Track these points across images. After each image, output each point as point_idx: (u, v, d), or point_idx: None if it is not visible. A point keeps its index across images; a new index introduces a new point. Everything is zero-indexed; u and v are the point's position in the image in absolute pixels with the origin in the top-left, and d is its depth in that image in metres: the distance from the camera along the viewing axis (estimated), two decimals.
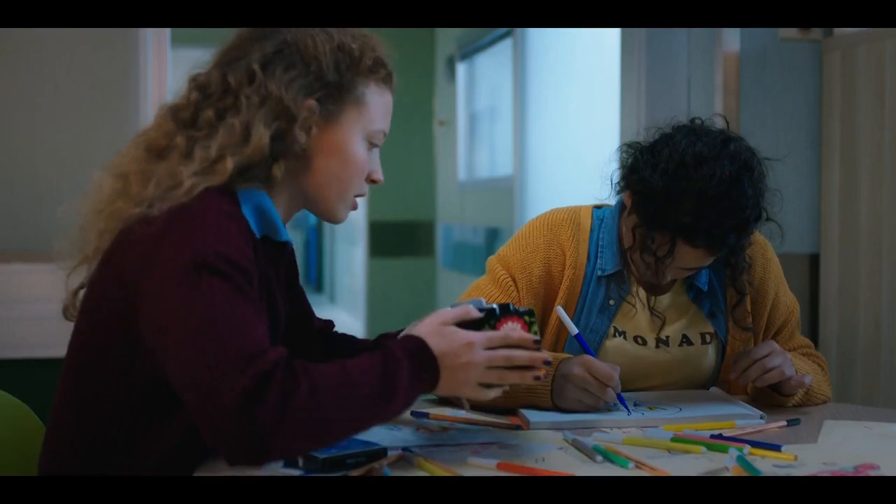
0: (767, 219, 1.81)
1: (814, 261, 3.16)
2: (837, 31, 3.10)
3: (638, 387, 1.89)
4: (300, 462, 1.34)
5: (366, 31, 1.55)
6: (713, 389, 1.90)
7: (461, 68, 6.61)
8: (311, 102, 1.45)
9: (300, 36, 1.47)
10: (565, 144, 4.75)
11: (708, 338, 1.91)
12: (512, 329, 1.43)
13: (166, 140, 1.45)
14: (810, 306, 3.15)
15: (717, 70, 3.09)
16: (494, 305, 1.44)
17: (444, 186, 7.05)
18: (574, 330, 1.76)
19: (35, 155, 2.96)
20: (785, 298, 1.97)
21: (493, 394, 1.43)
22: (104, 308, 1.41)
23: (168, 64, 3.04)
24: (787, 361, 1.76)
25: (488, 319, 1.42)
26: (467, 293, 1.94)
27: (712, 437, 1.55)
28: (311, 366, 1.30)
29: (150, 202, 1.39)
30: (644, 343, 1.89)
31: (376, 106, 1.52)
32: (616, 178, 1.85)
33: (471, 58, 6.46)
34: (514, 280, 1.90)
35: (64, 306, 1.51)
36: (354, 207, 1.57)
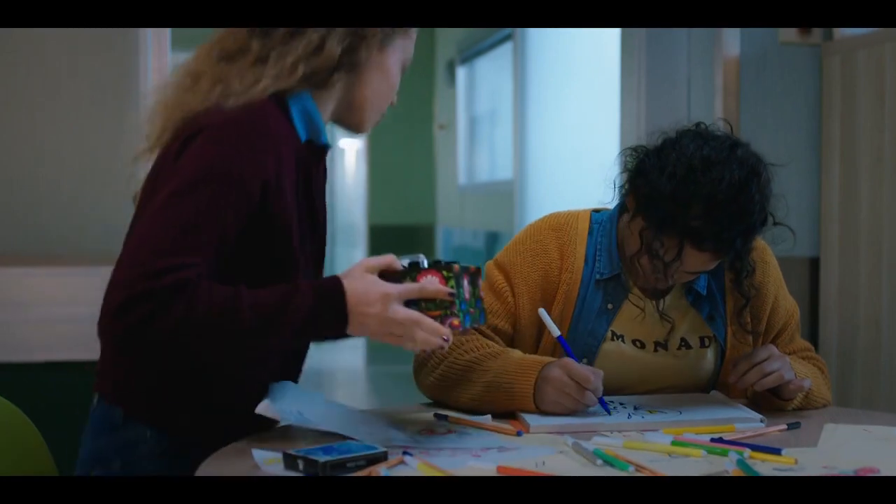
0: (775, 223, 1.80)
1: (814, 264, 3.16)
2: (837, 34, 3.10)
3: (637, 391, 1.89)
4: (300, 465, 1.34)
5: None
6: (713, 393, 1.90)
7: (461, 72, 6.61)
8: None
9: None
10: (565, 148, 4.75)
11: (707, 341, 1.91)
12: (430, 282, 1.48)
13: (238, 44, 1.56)
14: (810, 309, 3.14)
15: (717, 73, 3.10)
16: (421, 258, 1.51)
17: (444, 190, 7.05)
18: (556, 332, 1.78)
19: (35, 158, 2.96)
20: (784, 302, 1.96)
21: (407, 347, 1.48)
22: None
23: (168, 66, 3.04)
24: (786, 365, 1.76)
25: (410, 272, 1.48)
26: None
27: (712, 440, 1.55)
28: (209, 290, 1.37)
29: (221, 99, 1.50)
30: (643, 347, 1.89)
31: (414, 39, 1.71)
32: (620, 181, 1.84)
33: (471, 62, 6.47)
34: (510, 286, 1.90)
35: (134, 194, 1.59)
36: (378, 122, 1.73)
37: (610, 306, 1.88)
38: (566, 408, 1.70)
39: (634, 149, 1.83)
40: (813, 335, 3.11)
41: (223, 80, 1.52)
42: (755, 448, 1.49)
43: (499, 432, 1.62)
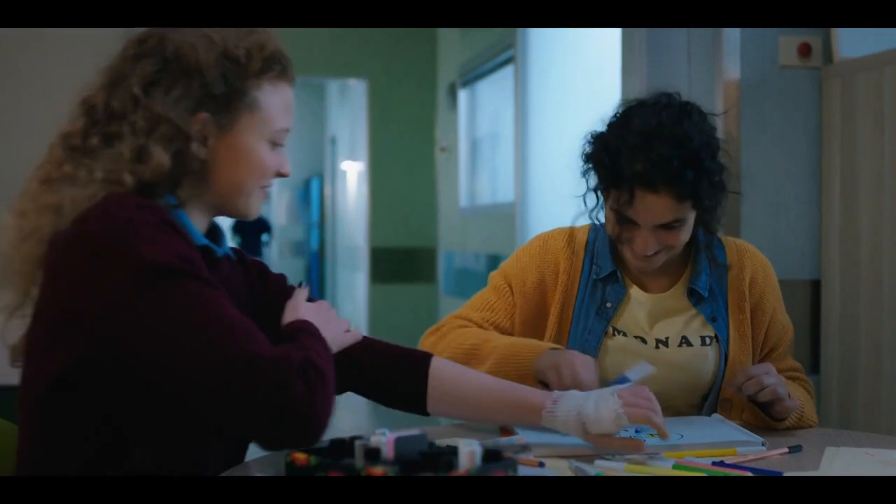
0: (724, 171, 1.84)
1: (815, 286, 3.16)
2: (837, 57, 3.11)
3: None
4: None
5: (257, 29, 1.50)
6: (715, 416, 1.90)
7: (463, 95, 6.63)
8: (203, 115, 1.43)
9: (181, 48, 1.43)
10: (566, 171, 4.75)
11: (708, 340, 1.94)
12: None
13: (56, 169, 1.44)
14: (811, 332, 3.14)
15: (717, 97, 3.11)
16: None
17: (445, 213, 7.06)
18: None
19: (29, 168, 2.95)
20: (781, 318, 2.01)
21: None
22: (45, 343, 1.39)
23: None
24: (781, 383, 1.79)
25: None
26: (470, 303, 2.06)
27: (714, 464, 1.55)
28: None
29: (52, 227, 1.38)
30: (644, 342, 1.93)
31: (273, 106, 1.49)
32: (581, 168, 1.94)
33: (472, 85, 6.49)
34: (510, 286, 2.01)
35: (12, 357, 1.48)
36: (265, 198, 1.55)
37: (608, 305, 1.94)
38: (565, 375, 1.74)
39: (587, 138, 1.92)
40: (814, 357, 3.11)
41: (47, 209, 1.41)
42: (756, 472, 1.49)
43: (524, 464, 1.60)
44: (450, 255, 6.83)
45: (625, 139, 1.81)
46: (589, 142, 1.91)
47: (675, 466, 1.53)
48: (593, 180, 1.91)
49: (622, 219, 1.84)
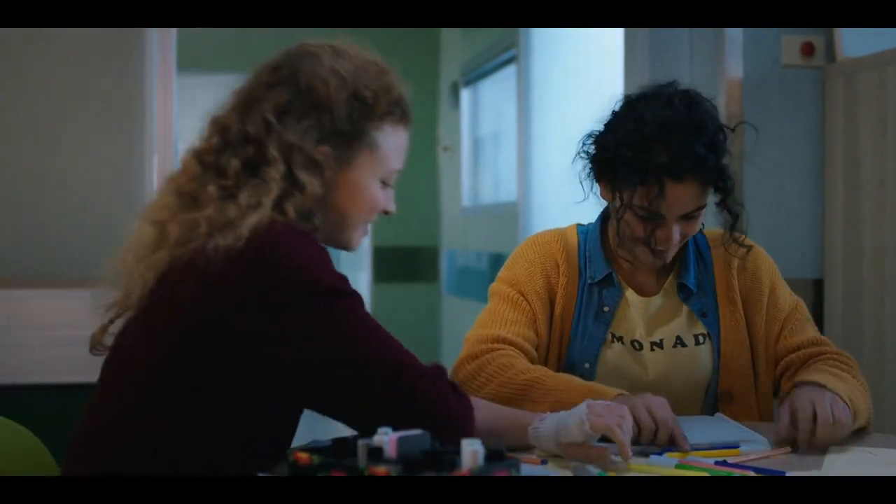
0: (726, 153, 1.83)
1: (818, 285, 3.16)
2: (840, 57, 3.11)
3: (637, 392, 1.89)
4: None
5: (382, 65, 1.56)
6: (718, 415, 1.90)
7: (465, 94, 6.63)
8: (325, 148, 1.49)
9: (314, 81, 1.49)
10: (569, 170, 4.75)
11: (701, 338, 1.93)
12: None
13: (195, 185, 1.48)
14: None
15: (720, 97, 3.10)
16: None
17: (448, 212, 7.06)
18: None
19: (40, 180, 2.96)
20: (783, 293, 1.97)
21: None
22: (168, 344, 1.43)
23: (174, 89, 3.06)
24: (831, 406, 1.66)
25: None
26: (485, 321, 1.93)
27: (717, 463, 1.55)
28: None
29: (200, 240, 1.42)
30: (640, 348, 1.92)
31: (390, 148, 1.55)
32: (586, 171, 1.92)
33: (475, 84, 6.49)
34: (523, 295, 1.93)
35: (93, 343, 1.53)
36: (366, 233, 1.62)
37: (606, 309, 1.93)
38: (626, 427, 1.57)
39: (585, 139, 1.91)
40: None
41: (193, 223, 1.44)
42: (759, 471, 1.49)
43: (526, 462, 1.59)
44: (452, 255, 6.84)
45: (642, 133, 1.79)
46: (592, 143, 1.89)
47: (677, 466, 1.53)
48: (607, 182, 1.88)
49: (650, 215, 1.81)
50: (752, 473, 1.47)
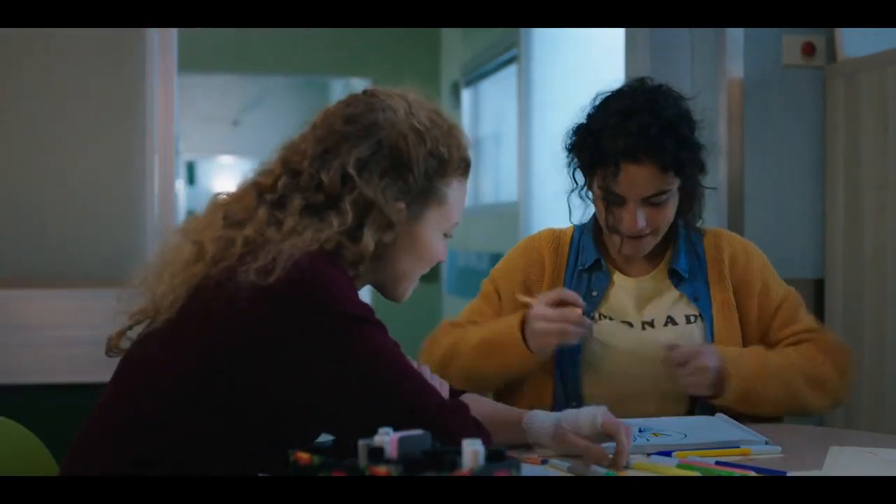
0: (701, 150, 1.90)
1: (818, 286, 3.15)
2: (840, 57, 3.11)
3: (630, 370, 1.94)
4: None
5: (448, 118, 1.57)
6: (718, 416, 1.90)
7: (466, 94, 6.63)
8: (401, 205, 1.48)
9: (393, 137, 1.48)
10: (569, 170, 4.75)
11: (693, 318, 1.98)
12: None
13: (247, 214, 1.47)
14: None
15: (720, 97, 3.11)
16: None
17: None
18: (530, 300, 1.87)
19: (40, 180, 2.96)
20: (775, 286, 2.04)
21: None
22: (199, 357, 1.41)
23: (175, 90, 3.06)
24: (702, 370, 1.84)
25: None
26: (463, 311, 2.14)
27: (717, 463, 1.55)
28: None
29: (234, 259, 1.41)
30: (631, 326, 1.98)
31: (455, 201, 1.56)
32: (566, 162, 2.03)
33: (475, 84, 6.49)
34: (497, 291, 2.09)
35: (110, 346, 1.52)
36: (416, 285, 1.62)
37: (594, 293, 2.00)
38: (555, 332, 1.81)
39: (570, 130, 2.01)
40: None
41: (233, 241, 1.44)
42: (760, 471, 1.49)
43: (527, 462, 1.60)
44: (453, 255, 6.84)
45: (605, 121, 1.90)
46: (571, 134, 2.00)
47: (679, 466, 1.53)
48: (579, 170, 1.99)
49: (610, 197, 1.91)
50: (752, 473, 1.47)
